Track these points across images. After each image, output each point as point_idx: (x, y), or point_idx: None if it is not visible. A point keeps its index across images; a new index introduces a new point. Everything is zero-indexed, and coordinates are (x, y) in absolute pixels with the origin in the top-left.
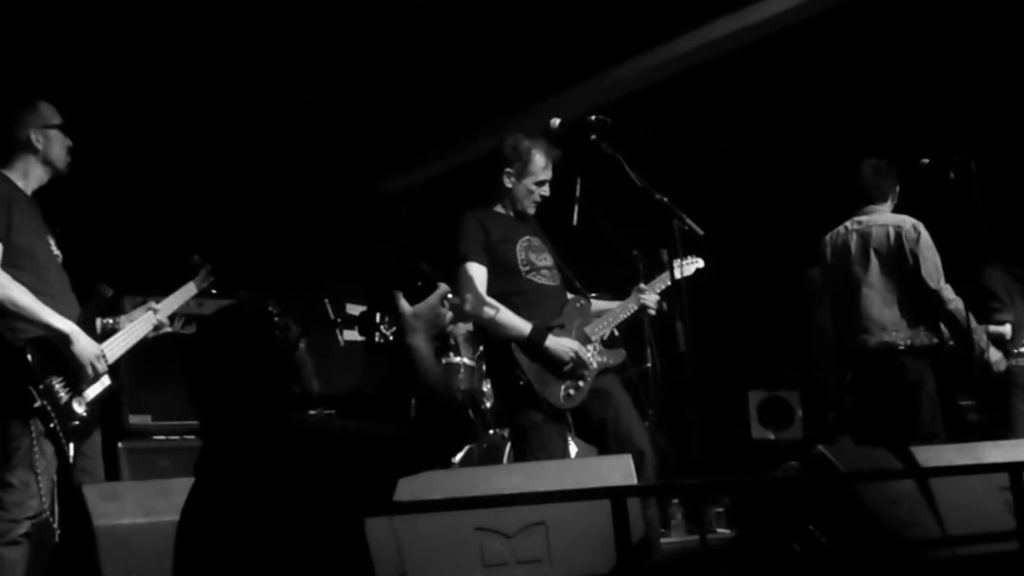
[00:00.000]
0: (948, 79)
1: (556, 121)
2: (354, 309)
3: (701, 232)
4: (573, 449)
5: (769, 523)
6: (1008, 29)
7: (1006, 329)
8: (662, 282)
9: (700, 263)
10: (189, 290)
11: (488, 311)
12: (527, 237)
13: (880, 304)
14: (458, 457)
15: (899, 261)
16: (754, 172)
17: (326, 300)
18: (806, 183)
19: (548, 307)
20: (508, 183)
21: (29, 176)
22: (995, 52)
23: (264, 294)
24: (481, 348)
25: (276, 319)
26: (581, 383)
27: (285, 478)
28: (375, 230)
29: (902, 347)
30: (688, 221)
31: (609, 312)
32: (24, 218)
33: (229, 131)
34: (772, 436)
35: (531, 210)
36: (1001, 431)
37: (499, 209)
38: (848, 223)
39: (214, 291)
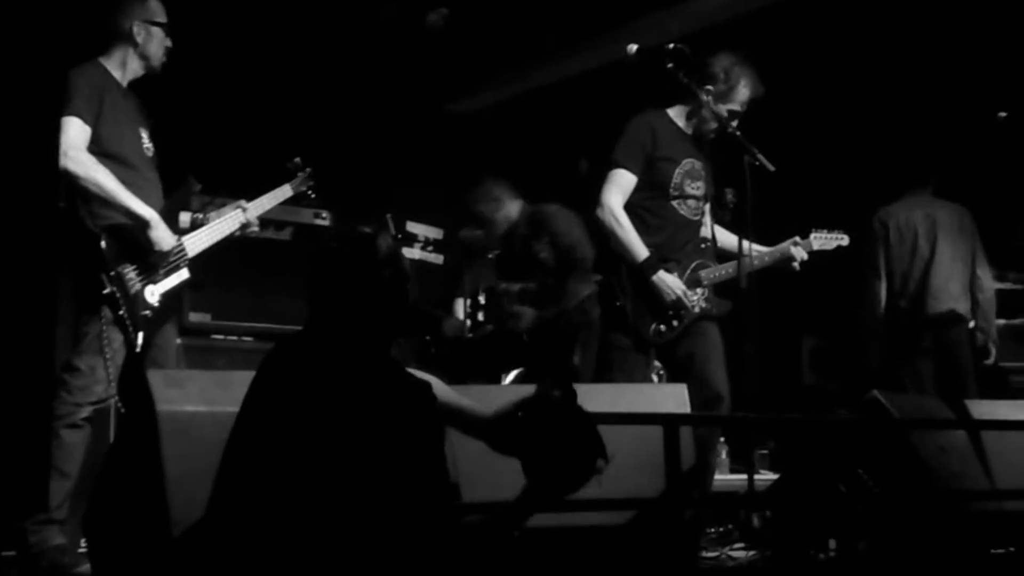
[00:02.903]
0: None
1: (633, 47)
2: (415, 227)
3: (772, 168)
4: (655, 380)
5: (816, 465)
6: None
7: None
8: (819, 241)
9: (845, 240)
10: (284, 192)
11: (614, 226)
12: (691, 160)
13: (947, 278)
14: (511, 376)
15: (965, 242)
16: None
17: (388, 216)
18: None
19: (677, 239)
20: (703, 98)
21: (126, 67)
22: None
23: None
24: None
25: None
26: (675, 323)
27: (380, 418)
28: (442, 149)
29: (966, 316)
30: (760, 156)
31: (734, 261)
32: (115, 108)
33: (306, 46)
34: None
35: (711, 136)
36: None
37: (680, 122)
38: (903, 203)
39: (312, 195)
